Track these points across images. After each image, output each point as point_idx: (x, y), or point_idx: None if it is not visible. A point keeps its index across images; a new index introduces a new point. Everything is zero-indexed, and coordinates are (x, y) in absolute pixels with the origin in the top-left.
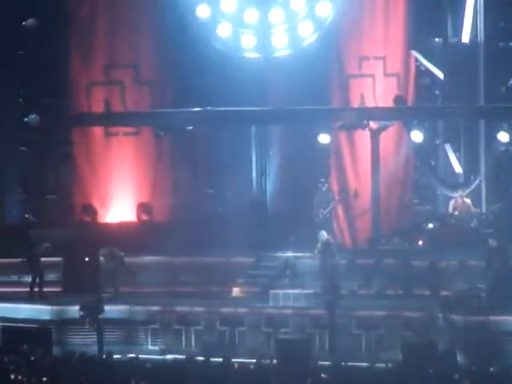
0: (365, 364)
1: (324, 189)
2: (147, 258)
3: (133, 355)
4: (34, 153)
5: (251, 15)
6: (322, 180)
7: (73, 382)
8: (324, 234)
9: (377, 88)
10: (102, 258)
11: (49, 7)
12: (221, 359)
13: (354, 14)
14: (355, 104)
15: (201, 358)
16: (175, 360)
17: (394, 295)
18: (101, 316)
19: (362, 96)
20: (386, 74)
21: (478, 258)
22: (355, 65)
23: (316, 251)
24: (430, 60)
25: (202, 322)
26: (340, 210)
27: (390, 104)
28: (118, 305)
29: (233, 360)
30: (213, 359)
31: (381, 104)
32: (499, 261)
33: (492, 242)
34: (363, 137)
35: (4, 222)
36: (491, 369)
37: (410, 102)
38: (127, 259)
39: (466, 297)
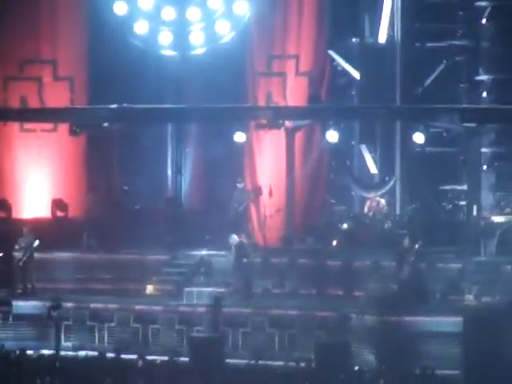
0: (278, 363)
1: (241, 187)
2: (62, 255)
3: (45, 351)
4: None
5: (168, 13)
6: (239, 179)
7: None
8: (235, 238)
9: (288, 86)
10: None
11: None
12: (133, 356)
13: (269, 13)
14: (263, 103)
15: (112, 355)
16: (86, 356)
17: (308, 295)
18: (13, 311)
19: (269, 95)
20: (298, 73)
21: (391, 259)
22: (266, 63)
23: (230, 255)
24: (347, 60)
25: (115, 319)
26: (254, 209)
27: (301, 103)
28: (32, 300)
29: (146, 357)
30: (124, 356)
31: (292, 103)
32: (411, 261)
33: (405, 243)
34: (278, 136)
35: None
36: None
37: (324, 101)
38: (41, 255)
39: (378, 297)
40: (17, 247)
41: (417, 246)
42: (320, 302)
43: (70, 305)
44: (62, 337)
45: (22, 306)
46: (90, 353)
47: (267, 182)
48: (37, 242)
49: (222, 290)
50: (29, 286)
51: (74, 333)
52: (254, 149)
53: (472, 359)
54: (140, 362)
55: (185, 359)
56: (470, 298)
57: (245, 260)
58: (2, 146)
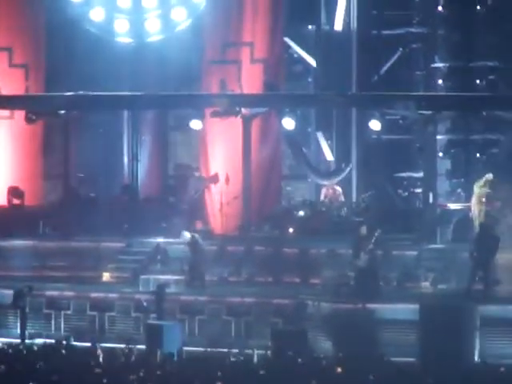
0: (234, 350)
1: (197, 175)
2: (17, 242)
3: (1, 339)
4: None
5: (125, 0)
6: (195, 166)
7: None
8: (186, 235)
9: (243, 74)
10: None
11: None
12: (88, 344)
13: (224, 1)
14: (218, 90)
15: (68, 343)
16: (42, 345)
17: (264, 282)
18: None
19: (222, 82)
20: (252, 61)
21: (348, 247)
22: (221, 51)
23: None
24: (303, 47)
25: (71, 307)
26: (211, 197)
27: (257, 90)
28: (13, 290)
29: (101, 345)
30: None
31: (247, 91)
32: (370, 249)
33: (362, 230)
34: (234, 123)
35: None
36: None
37: (280, 89)
38: None
39: (334, 284)
40: None
41: (376, 234)
42: (276, 289)
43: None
44: (18, 324)
45: None
46: (47, 341)
47: (224, 170)
48: None
49: (178, 277)
50: None
51: (31, 321)
52: (210, 136)
53: (428, 346)
54: (99, 351)
55: (141, 347)
56: (426, 285)
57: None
58: None
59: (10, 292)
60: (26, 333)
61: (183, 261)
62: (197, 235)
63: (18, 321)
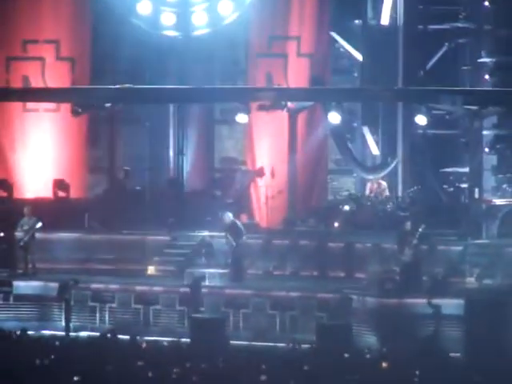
0: (279, 344)
1: (243, 169)
2: (63, 235)
3: (46, 332)
4: None
5: None
6: (241, 160)
7: None
8: (229, 216)
9: (289, 68)
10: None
11: None
12: (132, 337)
13: None
14: (264, 84)
15: (112, 336)
16: (88, 337)
17: (309, 276)
18: (14, 292)
19: (269, 75)
20: (299, 55)
21: (393, 241)
22: (267, 44)
23: (224, 233)
24: (349, 42)
25: (116, 300)
26: (256, 191)
27: (303, 84)
28: (32, 281)
29: (146, 338)
30: (125, 337)
31: (293, 84)
32: (414, 244)
33: (407, 225)
34: (280, 117)
35: None
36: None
37: (326, 83)
38: (43, 235)
39: (379, 279)
40: (19, 228)
41: (420, 229)
42: (321, 283)
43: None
44: (63, 317)
45: (22, 286)
46: (92, 333)
47: (269, 164)
48: (40, 223)
49: (222, 270)
50: (30, 266)
51: (75, 313)
52: (256, 130)
53: (473, 341)
54: (144, 344)
55: (186, 340)
56: (471, 280)
57: (234, 243)
58: (5, 126)
59: (56, 285)
60: (71, 325)
61: (228, 254)
62: (238, 222)
63: (63, 313)
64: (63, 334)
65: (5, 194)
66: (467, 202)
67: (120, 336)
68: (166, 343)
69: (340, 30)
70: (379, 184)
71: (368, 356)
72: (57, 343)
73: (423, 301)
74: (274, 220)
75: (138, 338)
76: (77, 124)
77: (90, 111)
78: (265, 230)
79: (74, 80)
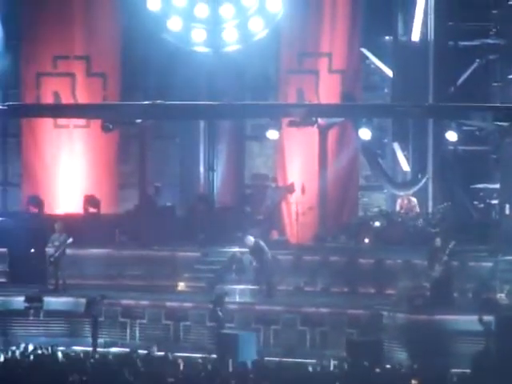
0: (309, 360)
1: (274, 185)
2: (93, 251)
3: (76, 348)
4: None
5: (202, 10)
6: (272, 176)
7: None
8: (250, 239)
9: (321, 84)
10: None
11: None
12: (164, 353)
13: (302, 11)
14: (295, 100)
15: (144, 352)
16: (118, 353)
17: (340, 292)
18: (44, 308)
19: (300, 91)
20: (330, 71)
21: (423, 257)
22: (298, 61)
23: (249, 255)
24: (380, 58)
25: (146, 316)
26: (287, 207)
27: (334, 100)
28: (63, 297)
29: (176, 354)
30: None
31: (324, 101)
32: (444, 261)
33: (437, 242)
34: (311, 133)
35: None
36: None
37: (357, 99)
38: (73, 251)
39: (409, 295)
40: (50, 244)
41: (450, 246)
42: (352, 299)
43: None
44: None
45: (53, 302)
46: (122, 349)
47: (300, 180)
48: (70, 239)
49: (253, 287)
50: (60, 282)
51: (106, 329)
52: (287, 146)
53: (504, 358)
54: (181, 362)
55: (214, 356)
56: (502, 296)
57: (259, 264)
58: (35, 142)
59: (84, 300)
60: (101, 341)
61: (257, 272)
62: (261, 242)
63: (91, 329)
64: (91, 349)
65: (35, 210)
66: (498, 218)
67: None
68: (198, 360)
69: (370, 46)
70: (409, 200)
71: (399, 372)
72: (83, 359)
73: (454, 317)
74: (305, 236)
75: (169, 354)
76: (107, 140)
77: (121, 127)
78: (295, 246)
79: (104, 96)
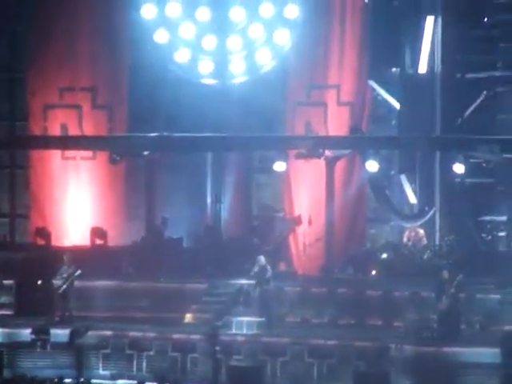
0: None
1: (281, 216)
2: (100, 283)
3: (83, 379)
4: None
5: (209, 41)
6: (279, 208)
7: None
8: (262, 259)
9: (329, 117)
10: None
11: (5, 27)
12: None
13: (310, 43)
14: (303, 133)
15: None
16: None
17: (347, 324)
18: (51, 340)
19: (308, 125)
20: (339, 103)
21: (430, 290)
22: (306, 93)
23: (252, 273)
24: (387, 90)
25: (153, 348)
26: (294, 238)
27: (343, 133)
28: (69, 329)
29: None
30: None
31: (333, 133)
32: (452, 293)
33: (445, 274)
34: (318, 165)
35: None
36: None
37: (364, 131)
38: (80, 283)
39: (417, 328)
40: (58, 276)
41: (458, 279)
42: (359, 332)
43: (108, 333)
44: (100, 365)
45: (59, 334)
46: (129, 382)
47: (307, 211)
48: (79, 272)
49: (260, 319)
50: (67, 314)
51: (113, 361)
52: (294, 178)
53: None
54: None
55: None
56: (509, 329)
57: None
58: (43, 174)
59: (93, 333)
60: (107, 373)
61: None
62: (268, 266)
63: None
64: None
65: (43, 242)
66: (505, 251)
67: None
68: None
69: (377, 78)
70: (417, 232)
71: None
72: None
73: (462, 349)
74: (312, 268)
75: None
76: (115, 171)
77: (128, 159)
78: (302, 277)
79: (110, 128)
